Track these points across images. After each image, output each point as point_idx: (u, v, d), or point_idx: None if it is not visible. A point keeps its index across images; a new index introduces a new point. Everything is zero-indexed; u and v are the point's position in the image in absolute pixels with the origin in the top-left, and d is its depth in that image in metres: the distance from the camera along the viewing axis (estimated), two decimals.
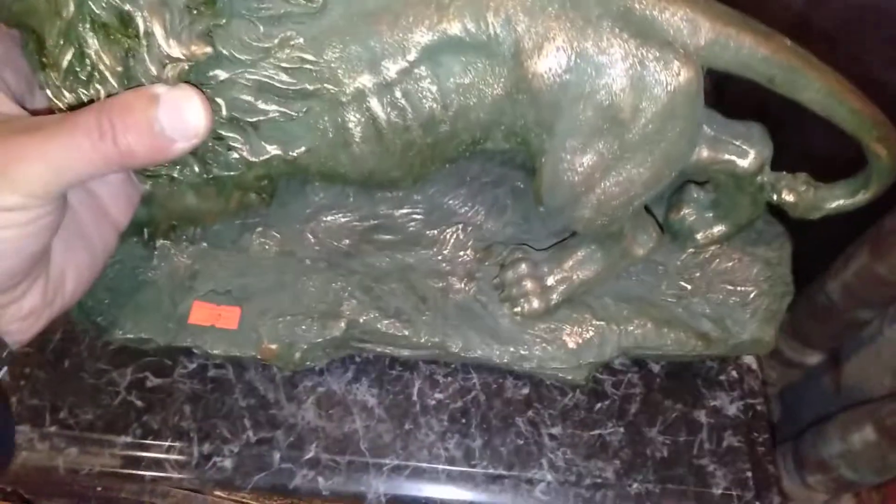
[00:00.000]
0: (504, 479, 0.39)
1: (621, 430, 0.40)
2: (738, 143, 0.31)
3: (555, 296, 0.36)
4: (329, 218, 0.38)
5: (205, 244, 0.38)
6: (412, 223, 0.38)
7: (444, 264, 0.38)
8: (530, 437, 0.40)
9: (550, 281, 0.36)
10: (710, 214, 0.36)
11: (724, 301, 0.37)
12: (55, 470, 0.38)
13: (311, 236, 0.38)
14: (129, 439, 0.39)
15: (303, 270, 0.37)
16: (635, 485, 0.39)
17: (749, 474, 0.39)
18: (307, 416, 0.40)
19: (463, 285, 0.37)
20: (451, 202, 0.39)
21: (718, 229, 0.36)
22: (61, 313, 0.28)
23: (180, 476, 0.39)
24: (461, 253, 0.38)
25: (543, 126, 0.28)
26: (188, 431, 0.39)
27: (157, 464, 0.39)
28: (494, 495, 0.38)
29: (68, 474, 0.39)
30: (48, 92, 0.26)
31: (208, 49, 0.24)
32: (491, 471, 0.39)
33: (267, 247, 0.38)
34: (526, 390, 0.41)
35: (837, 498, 0.88)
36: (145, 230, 0.35)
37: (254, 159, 0.28)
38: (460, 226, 0.38)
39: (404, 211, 0.39)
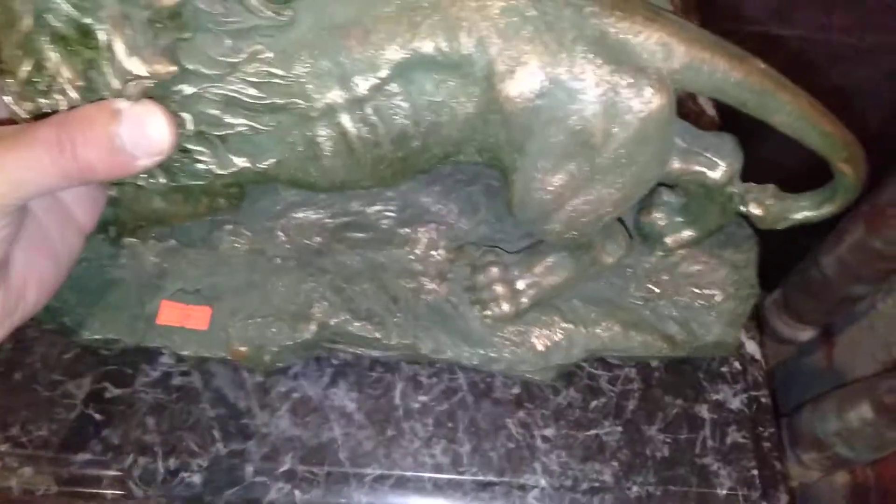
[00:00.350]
0: (495, 487, 0.36)
1: (619, 429, 0.37)
2: (708, 154, 0.31)
3: (525, 300, 0.35)
4: (300, 215, 0.37)
5: (173, 241, 0.36)
6: (384, 221, 0.37)
7: (416, 264, 0.37)
8: (522, 439, 0.37)
9: (521, 285, 0.35)
10: (680, 219, 0.36)
11: (690, 304, 0.37)
12: (8, 491, 0.35)
13: (281, 234, 0.37)
14: (88, 456, 0.36)
15: (273, 270, 0.36)
16: (635, 487, 0.36)
17: (755, 472, 0.36)
18: (281, 425, 0.37)
19: (434, 286, 0.37)
20: (424, 199, 0.37)
21: (687, 234, 0.36)
22: (24, 322, 0.27)
23: (145, 494, 0.36)
24: (433, 252, 0.37)
25: (515, 146, 0.27)
26: (152, 446, 0.36)
27: (119, 482, 0.36)
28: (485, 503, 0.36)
29: (23, 496, 0.36)
30: (7, 97, 0.24)
31: (172, 68, 0.23)
32: (480, 478, 0.36)
33: (237, 245, 0.37)
34: (516, 389, 0.38)
35: (832, 475, 0.87)
36: (111, 228, 0.34)
37: (222, 172, 0.27)
38: (433, 224, 0.37)
39: (377, 208, 0.37)
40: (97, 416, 0.37)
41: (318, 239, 0.37)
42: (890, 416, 0.71)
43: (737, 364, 0.40)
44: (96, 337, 0.36)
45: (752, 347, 0.40)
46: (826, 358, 0.88)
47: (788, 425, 0.82)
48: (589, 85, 0.25)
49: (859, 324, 0.84)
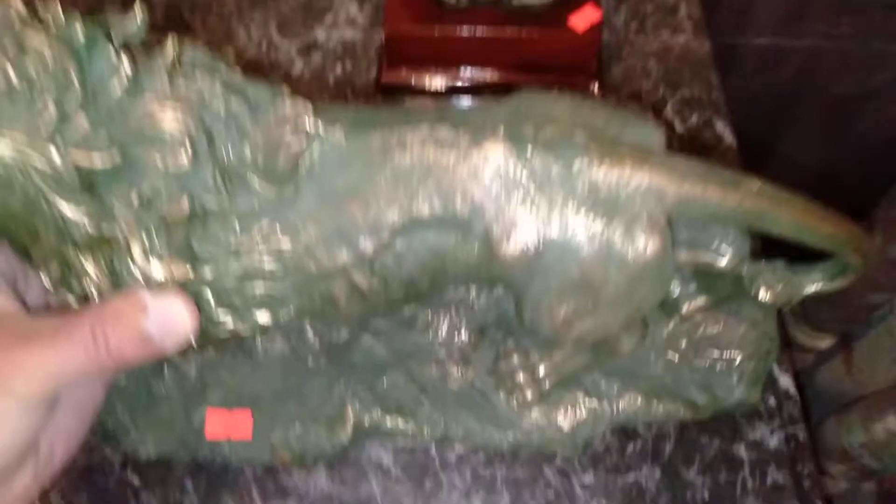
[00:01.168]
0: None
1: (657, 472, 0.37)
2: (715, 243, 0.32)
3: (547, 384, 0.36)
4: None
5: (211, 351, 0.37)
6: (406, 306, 0.37)
7: (440, 349, 0.38)
8: (561, 488, 0.37)
9: (542, 371, 0.36)
10: (693, 286, 0.36)
11: (711, 367, 0.38)
12: None
13: (309, 329, 0.37)
14: None
15: (306, 372, 0.37)
16: None
17: None
18: (319, 482, 0.37)
19: (459, 372, 0.37)
20: None
21: (702, 300, 0.36)
22: (53, 478, 0.28)
23: None
24: (455, 336, 0.38)
25: (518, 285, 0.29)
26: None
27: None
28: None
29: None
30: (43, 277, 0.26)
31: (190, 276, 0.25)
32: None
33: (269, 348, 0.38)
34: None
35: (858, 485, 0.87)
36: None
37: (246, 330, 0.28)
38: (453, 305, 0.38)
39: None
40: (135, 481, 0.37)
41: (345, 332, 0.37)
42: None
43: (772, 400, 0.39)
44: (151, 454, 0.36)
45: (785, 382, 0.40)
46: (845, 365, 0.88)
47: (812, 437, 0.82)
48: (582, 241, 0.27)
49: (877, 330, 0.84)
